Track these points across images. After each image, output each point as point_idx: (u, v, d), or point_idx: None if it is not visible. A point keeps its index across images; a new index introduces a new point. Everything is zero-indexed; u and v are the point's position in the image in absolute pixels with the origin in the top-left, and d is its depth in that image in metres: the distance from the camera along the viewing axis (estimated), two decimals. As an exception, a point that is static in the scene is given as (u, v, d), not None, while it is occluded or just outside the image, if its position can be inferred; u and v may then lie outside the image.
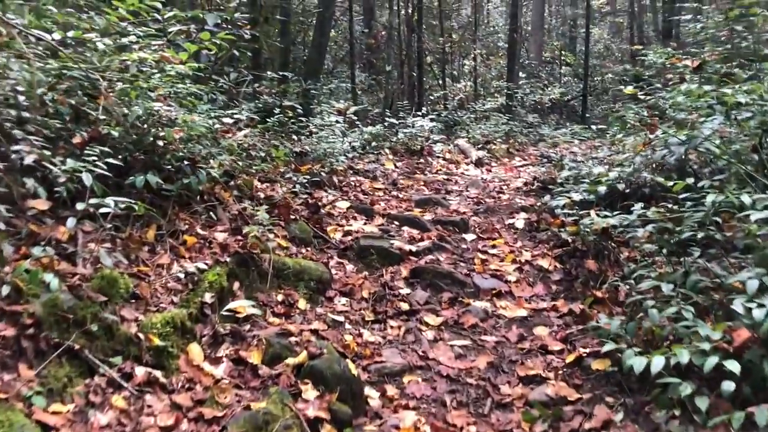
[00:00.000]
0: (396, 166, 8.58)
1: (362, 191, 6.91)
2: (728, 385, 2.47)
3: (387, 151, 9.26)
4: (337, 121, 8.13)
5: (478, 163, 9.50)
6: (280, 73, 8.55)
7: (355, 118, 9.47)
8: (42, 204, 3.27)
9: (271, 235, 4.34)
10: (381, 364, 3.53)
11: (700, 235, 3.33)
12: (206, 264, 3.74)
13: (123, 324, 3.00)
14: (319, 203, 5.67)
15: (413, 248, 5.05)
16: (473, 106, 13.92)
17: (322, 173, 6.58)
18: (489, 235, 5.74)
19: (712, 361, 2.44)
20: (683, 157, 3.96)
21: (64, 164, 3.24)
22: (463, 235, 5.64)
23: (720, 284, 3.20)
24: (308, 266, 4.28)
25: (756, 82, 4.44)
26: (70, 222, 3.13)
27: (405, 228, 5.61)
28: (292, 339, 3.47)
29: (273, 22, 8.52)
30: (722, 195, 3.15)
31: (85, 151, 3.41)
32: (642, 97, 5.39)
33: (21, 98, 3.52)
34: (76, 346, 2.75)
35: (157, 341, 2.98)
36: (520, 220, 6.05)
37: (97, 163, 3.34)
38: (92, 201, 3.18)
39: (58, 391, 2.60)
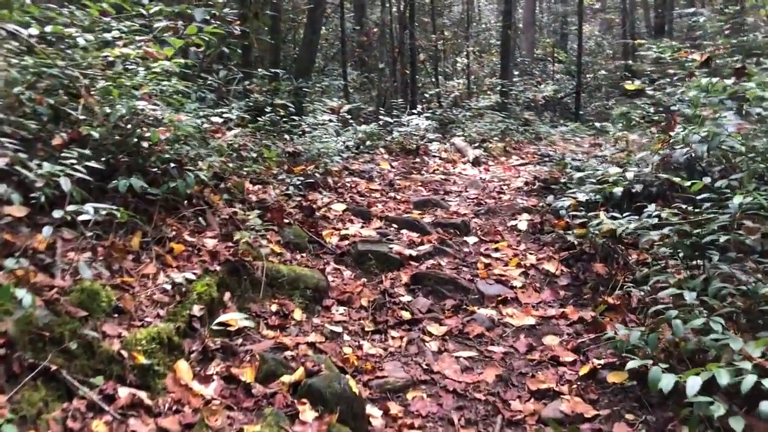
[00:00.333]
0: (392, 166, 8.38)
1: (358, 193, 6.70)
2: (766, 406, 2.26)
3: (382, 150, 9.09)
4: (330, 120, 7.95)
5: (476, 162, 9.31)
6: (271, 71, 8.32)
7: (349, 116, 9.28)
8: (17, 211, 3.06)
9: (264, 241, 4.17)
10: (383, 379, 3.32)
11: (723, 238, 3.12)
12: (195, 273, 3.55)
13: (105, 341, 2.80)
14: (314, 206, 5.46)
15: (413, 253, 4.87)
16: (468, 103, 13.75)
17: (317, 174, 6.41)
18: (491, 237, 5.55)
19: (751, 379, 2.23)
20: (705, 155, 3.75)
21: (41, 168, 3.02)
22: (465, 238, 5.45)
23: (746, 291, 3.00)
24: (303, 273, 4.07)
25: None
26: (47, 230, 2.90)
27: (404, 231, 5.43)
28: (288, 353, 3.29)
29: (263, 18, 8.30)
30: (750, 196, 2.94)
31: (63, 154, 3.21)
32: (651, 92, 5.18)
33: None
34: (53, 367, 2.53)
35: (141, 359, 2.79)
36: (522, 222, 5.86)
37: (76, 166, 3.13)
38: (71, 207, 2.96)
39: (32, 418, 2.37)
